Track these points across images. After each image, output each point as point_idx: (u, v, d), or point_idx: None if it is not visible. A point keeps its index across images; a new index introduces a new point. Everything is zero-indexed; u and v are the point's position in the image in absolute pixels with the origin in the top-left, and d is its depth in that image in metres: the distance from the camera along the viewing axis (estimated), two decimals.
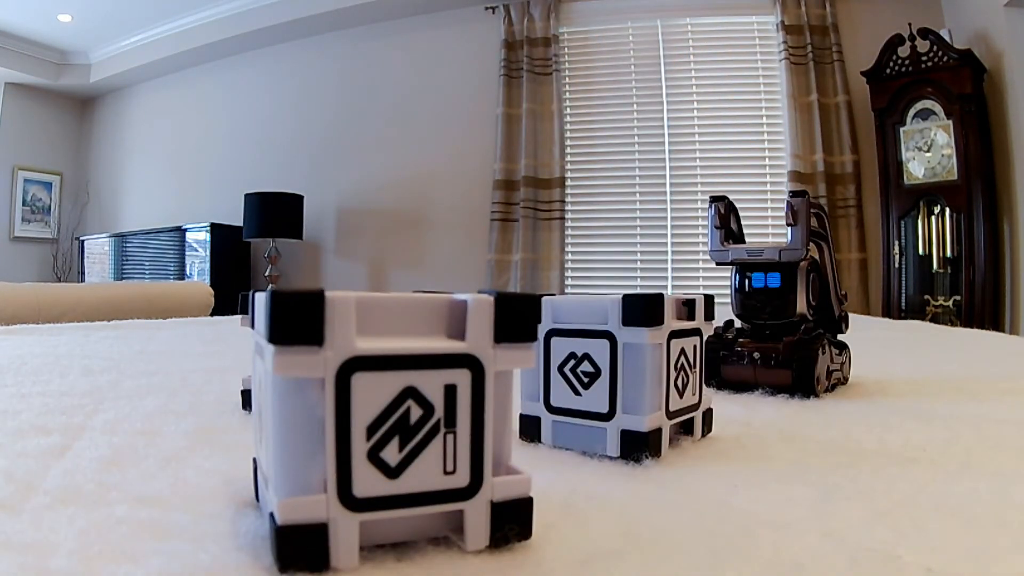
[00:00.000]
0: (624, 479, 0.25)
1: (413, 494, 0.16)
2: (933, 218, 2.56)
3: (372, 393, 0.15)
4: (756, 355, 0.40)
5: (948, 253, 2.52)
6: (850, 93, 2.86)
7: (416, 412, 0.15)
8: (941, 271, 2.55)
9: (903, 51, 2.57)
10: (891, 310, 2.61)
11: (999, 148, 2.51)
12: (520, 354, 0.17)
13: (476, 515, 0.16)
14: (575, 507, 0.21)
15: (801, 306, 0.40)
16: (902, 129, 2.58)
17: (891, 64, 2.60)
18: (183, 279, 3.79)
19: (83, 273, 4.38)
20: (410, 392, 0.15)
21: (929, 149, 2.53)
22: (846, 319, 0.45)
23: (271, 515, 0.15)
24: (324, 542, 0.15)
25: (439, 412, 0.16)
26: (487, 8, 3.32)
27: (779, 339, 0.40)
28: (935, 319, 2.49)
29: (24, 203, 4.68)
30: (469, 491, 0.16)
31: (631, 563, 0.17)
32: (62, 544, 0.17)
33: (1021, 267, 2.44)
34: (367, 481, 0.15)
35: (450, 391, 0.16)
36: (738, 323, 0.43)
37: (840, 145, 2.86)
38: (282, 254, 3.68)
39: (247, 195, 3.49)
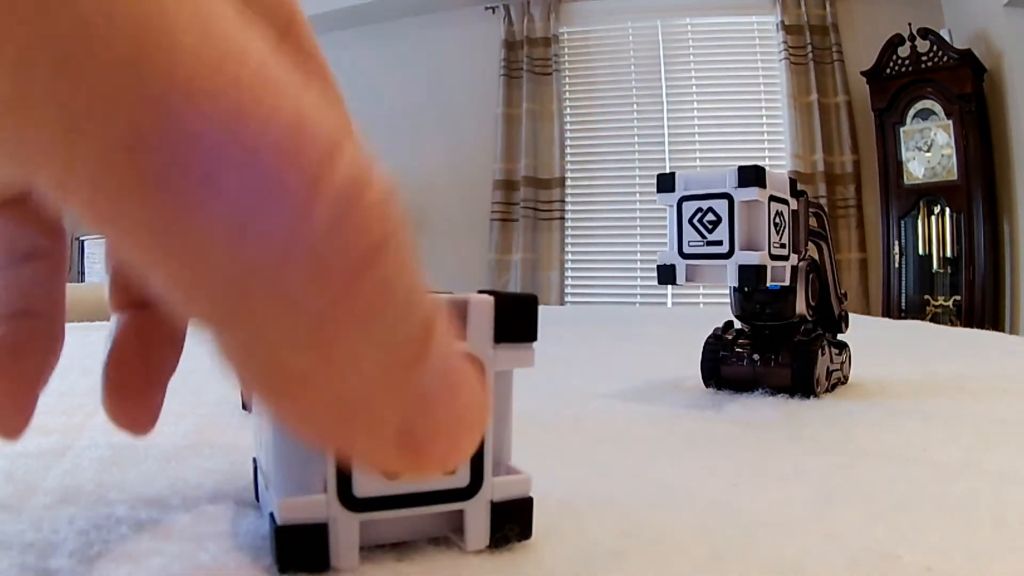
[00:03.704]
0: (623, 479, 0.25)
1: (413, 494, 0.15)
2: (933, 218, 2.56)
3: None
4: (756, 356, 0.40)
5: (948, 253, 2.52)
6: (850, 93, 2.86)
7: None
8: (941, 271, 2.55)
9: (903, 51, 2.57)
10: (891, 310, 2.62)
11: (999, 148, 2.51)
12: (520, 354, 0.17)
13: (476, 515, 0.16)
14: (575, 506, 0.21)
15: (801, 306, 0.40)
16: (902, 129, 2.58)
17: (891, 64, 2.60)
18: None
19: (83, 273, 4.38)
20: None
21: (929, 149, 2.53)
22: (846, 319, 0.45)
23: (271, 515, 0.15)
24: (324, 542, 0.15)
25: None
26: (487, 8, 3.32)
27: (779, 340, 0.40)
28: (935, 319, 2.49)
29: None
30: (469, 491, 0.16)
31: (631, 563, 0.17)
32: (62, 544, 0.17)
33: (1021, 267, 2.44)
34: (367, 481, 0.15)
35: None
36: (738, 324, 0.43)
37: (840, 145, 2.86)
38: None
39: None
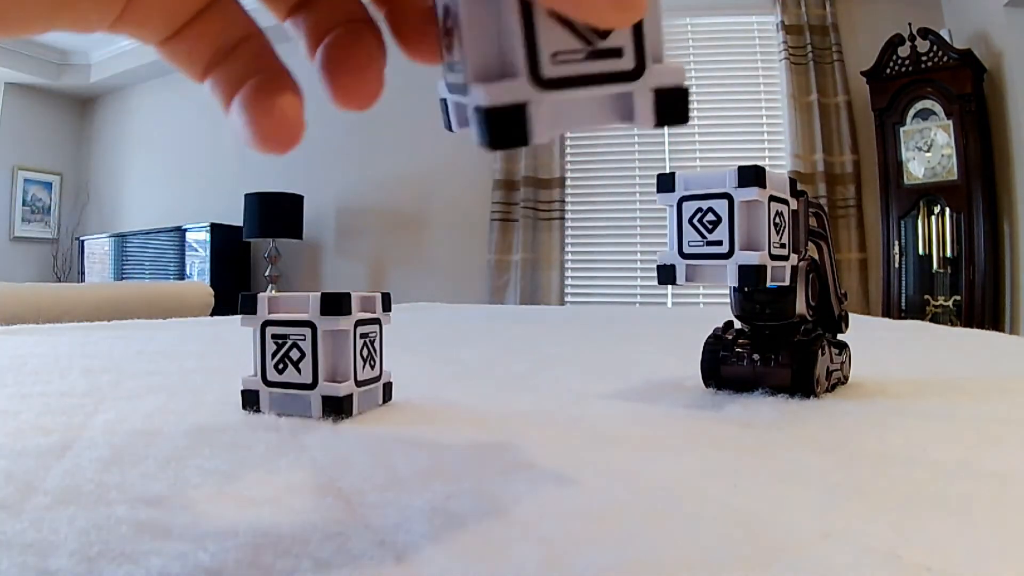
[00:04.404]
0: (623, 479, 0.25)
1: (589, 75, 0.16)
2: (933, 218, 2.56)
3: None
4: (756, 356, 0.40)
5: (948, 253, 2.52)
6: (850, 93, 2.86)
7: None
8: (941, 271, 2.55)
9: (903, 51, 2.57)
10: (891, 310, 2.62)
11: (999, 148, 2.51)
12: None
13: (643, 97, 0.17)
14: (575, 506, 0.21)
15: (801, 306, 0.40)
16: (902, 129, 2.58)
17: (891, 64, 2.60)
18: (183, 279, 3.79)
19: (83, 273, 4.38)
20: None
21: (929, 149, 2.53)
22: (846, 319, 0.45)
23: (475, 107, 0.16)
24: (524, 118, 0.16)
25: None
26: None
27: (779, 340, 0.40)
28: (935, 319, 2.49)
29: (24, 203, 4.68)
30: (635, 74, 0.16)
31: (632, 562, 0.17)
32: (62, 544, 0.17)
33: (1021, 267, 2.44)
34: (551, 64, 0.16)
35: None
36: (738, 324, 0.43)
37: (840, 145, 2.86)
38: (282, 254, 3.68)
39: (247, 195, 3.49)
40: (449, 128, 0.21)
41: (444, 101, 0.21)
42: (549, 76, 0.16)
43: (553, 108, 0.16)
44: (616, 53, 0.16)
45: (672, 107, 0.17)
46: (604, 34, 0.16)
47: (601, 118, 0.17)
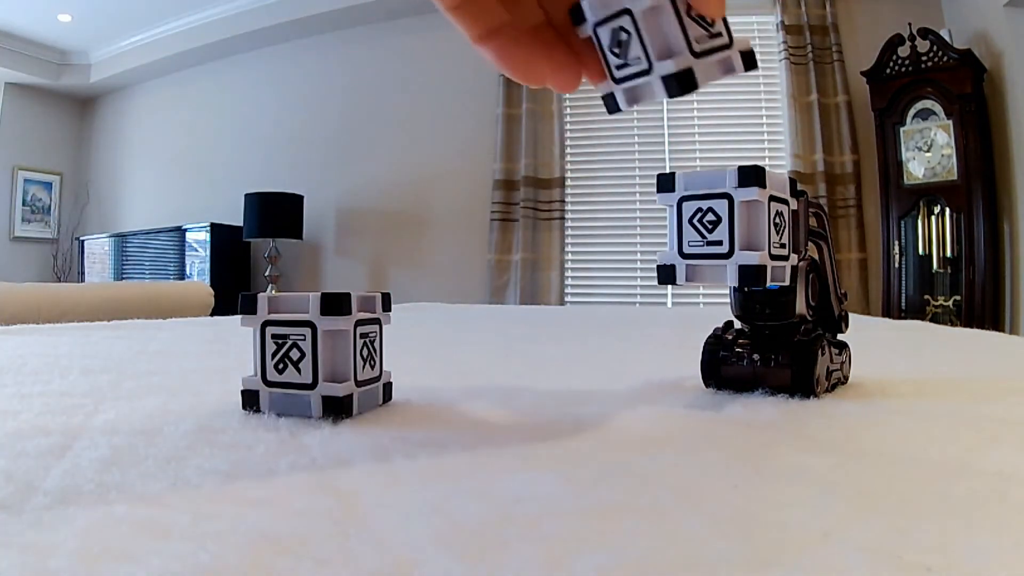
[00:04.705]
0: (622, 480, 0.25)
1: (712, 47, 0.27)
2: (933, 218, 2.56)
3: None
4: (756, 356, 0.40)
5: (948, 253, 2.52)
6: (850, 93, 2.86)
7: None
8: (941, 271, 2.55)
9: (903, 51, 2.57)
10: (891, 310, 2.62)
11: (999, 148, 2.51)
12: None
13: (736, 57, 0.28)
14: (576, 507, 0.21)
15: (801, 306, 0.40)
16: (902, 129, 2.58)
17: (891, 64, 2.60)
18: (183, 279, 3.79)
19: (83, 273, 4.38)
20: None
21: (929, 149, 2.53)
22: (846, 319, 0.45)
23: (664, 75, 0.27)
24: (694, 75, 0.27)
25: None
26: None
27: (779, 340, 0.40)
28: (935, 319, 2.49)
29: (24, 203, 4.68)
30: (730, 44, 0.27)
31: (631, 563, 0.17)
32: (62, 544, 0.17)
33: (1021, 267, 2.44)
34: None
35: None
36: (738, 324, 0.43)
37: (840, 145, 2.86)
38: (282, 254, 3.68)
39: (247, 195, 3.49)
40: (616, 110, 0.30)
41: (610, 96, 0.30)
42: (697, 50, 0.27)
43: (702, 68, 0.27)
44: (719, 35, 0.27)
45: (750, 61, 0.28)
46: (712, 25, 0.27)
47: (719, 72, 0.28)
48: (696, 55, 0.26)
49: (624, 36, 0.27)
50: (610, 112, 0.31)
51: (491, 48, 0.27)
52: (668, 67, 0.26)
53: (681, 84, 0.27)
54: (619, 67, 0.28)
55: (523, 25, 0.28)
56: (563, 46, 0.28)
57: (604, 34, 0.28)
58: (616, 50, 0.28)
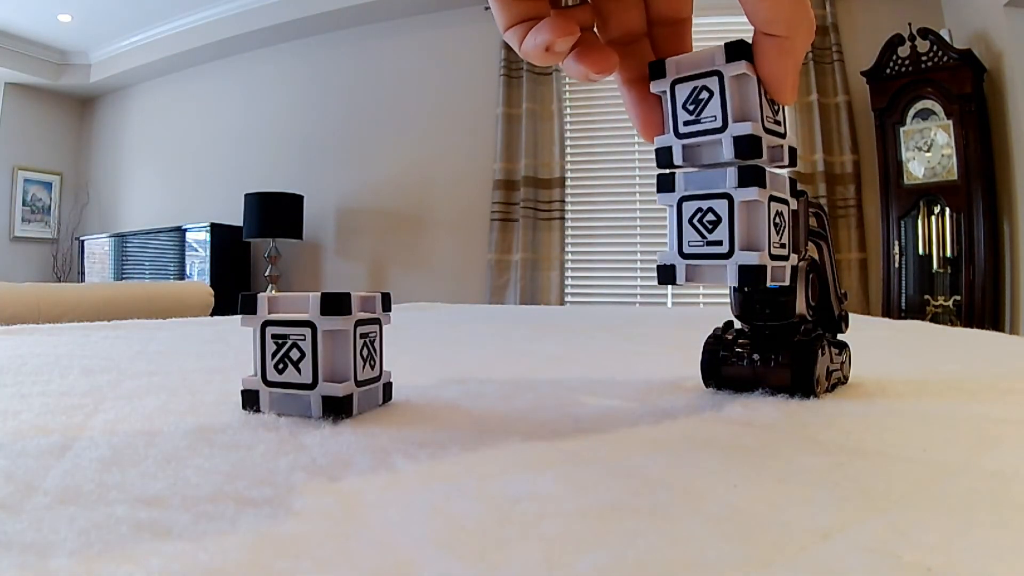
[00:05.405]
0: (622, 480, 0.25)
1: (780, 129, 0.32)
2: (933, 218, 2.56)
3: None
4: (756, 356, 0.40)
5: (948, 253, 2.52)
6: (850, 93, 2.86)
7: None
8: (941, 271, 2.55)
9: (903, 51, 2.57)
10: (891, 310, 2.62)
11: (999, 148, 2.51)
12: None
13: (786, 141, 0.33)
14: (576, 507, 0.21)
15: (801, 306, 0.40)
16: (902, 129, 2.59)
17: (891, 64, 2.60)
18: (183, 279, 3.79)
19: (83, 273, 4.38)
20: None
21: (929, 149, 2.53)
22: (846, 319, 0.45)
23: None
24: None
25: None
26: (487, 8, 3.31)
27: (779, 340, 0.40)
28: (935, 319, 2.49)
29: (24, 203, 4.68)
30: (785, 132, 0.33)
31: (631, 563, 0.17)
32: (62, 544, 0.17)
33: (1021, 267, 2.44)
34: None
35: None
36: (738, 324, 0.43)
37: (840, 145, 2.86)
38: (282, 254, 3.68)
39: (247, 195, 3.49)
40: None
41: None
42: (769, 129, 0.31)
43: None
44: (779, 123, 0.32)
45: (792, 158, 0.34)
46: (778, 112, 0.31)
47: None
48: (767, 130, 0.31)
49: (705, 95, 0.30)
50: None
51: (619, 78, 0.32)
52: (741, 129, 0.31)
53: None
54: (687, 123, 0.31)
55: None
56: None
57: (682, 91, 0.30)
58: (690, 107, 0.30)
